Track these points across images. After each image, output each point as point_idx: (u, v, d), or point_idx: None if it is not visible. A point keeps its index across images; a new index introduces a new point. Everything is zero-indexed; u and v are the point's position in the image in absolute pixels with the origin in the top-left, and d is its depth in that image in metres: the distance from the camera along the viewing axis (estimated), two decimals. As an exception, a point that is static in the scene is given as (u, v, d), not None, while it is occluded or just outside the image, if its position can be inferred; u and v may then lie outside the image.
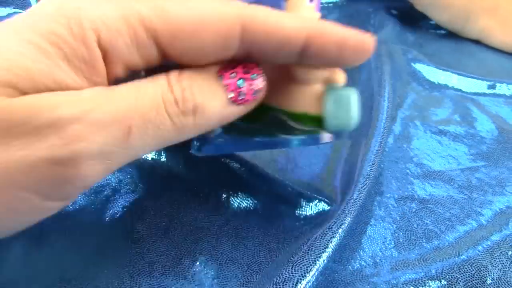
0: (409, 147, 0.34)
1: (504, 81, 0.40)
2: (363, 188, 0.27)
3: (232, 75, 0.19)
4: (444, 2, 0.46)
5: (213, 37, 0.18)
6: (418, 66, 0.42)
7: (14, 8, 0.43)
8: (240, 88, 0.19)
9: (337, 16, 0.52)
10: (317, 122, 0.22)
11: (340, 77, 0.22)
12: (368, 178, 0.28)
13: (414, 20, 0.50)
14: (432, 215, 0.29)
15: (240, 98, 0.19)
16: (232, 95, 0.19)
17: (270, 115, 0.22)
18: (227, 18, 0.18)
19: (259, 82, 0.20)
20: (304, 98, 0.22)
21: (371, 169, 0.29)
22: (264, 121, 0.22)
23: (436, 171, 0.32)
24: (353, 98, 0.22)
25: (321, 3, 0.54)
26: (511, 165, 0.32)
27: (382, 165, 0.32)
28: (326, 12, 0.52)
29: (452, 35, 0.48)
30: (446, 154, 0.33)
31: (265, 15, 0.18)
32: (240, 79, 0.19)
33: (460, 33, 0.47)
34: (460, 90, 0.40)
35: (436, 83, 0.41)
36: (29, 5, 0.42)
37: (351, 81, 0.39)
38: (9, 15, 0.42)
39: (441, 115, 0.37)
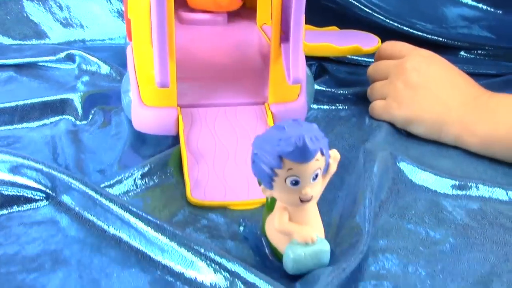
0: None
1: (474, 182, 0.47)
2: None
3: None
4: (417, 119, 0.55)
5: None
6: (403, 166, 0.49)
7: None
8: None
9: (337, 119, 0.60)
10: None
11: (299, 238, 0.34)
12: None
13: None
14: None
15: None
16: None
17: None
18: None
19: None
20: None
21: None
22: None
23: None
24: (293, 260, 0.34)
25: (320, 108, 0.63)
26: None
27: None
28: (325, 117, 0.60)
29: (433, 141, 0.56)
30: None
31: None
32: None
33: (438, 141, 0.55)
34: (435, 191, 0.47)
35: (417, 183, 0.48)
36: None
37: (340, 182, 0.47)
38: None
39: (417, 212, 0.44)
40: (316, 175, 0.33)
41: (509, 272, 0.38)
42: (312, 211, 0.35)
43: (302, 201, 0.33)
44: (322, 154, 0.33)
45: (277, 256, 0.36)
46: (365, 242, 0.39)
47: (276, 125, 0.33)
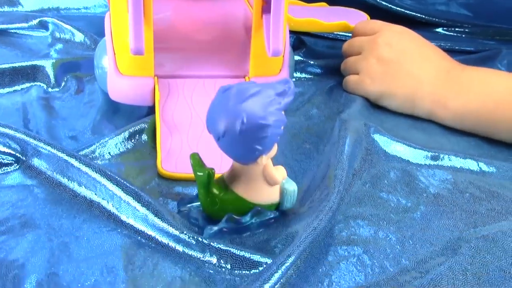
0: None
1: (446, 153, 0.48)
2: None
3: None
4: (390, 94, 0.55)
5: None
6: (377, 137, 0.50)
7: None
8: None
9: (313, 90, 0.60)
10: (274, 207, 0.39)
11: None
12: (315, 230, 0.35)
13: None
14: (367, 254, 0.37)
15: None
16: None
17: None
18: None
19: None
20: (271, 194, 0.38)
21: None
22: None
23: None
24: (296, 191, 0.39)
25: (298, 78, 0.63)
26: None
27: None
28: (302, 88, 0.60)
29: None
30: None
31: None
32: None
33: (412, 114, 0.55)
34: (408, 161, 0.48)
35: (390, 153, 0.49)
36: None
37: (316, 152, 0.47)
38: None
39: (390, 182, 0.45)
40: None
41: (477, 239, 0.38)
42: None
43: None
44: None
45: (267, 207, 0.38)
46: (334, 199, 0.39)
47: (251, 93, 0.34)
